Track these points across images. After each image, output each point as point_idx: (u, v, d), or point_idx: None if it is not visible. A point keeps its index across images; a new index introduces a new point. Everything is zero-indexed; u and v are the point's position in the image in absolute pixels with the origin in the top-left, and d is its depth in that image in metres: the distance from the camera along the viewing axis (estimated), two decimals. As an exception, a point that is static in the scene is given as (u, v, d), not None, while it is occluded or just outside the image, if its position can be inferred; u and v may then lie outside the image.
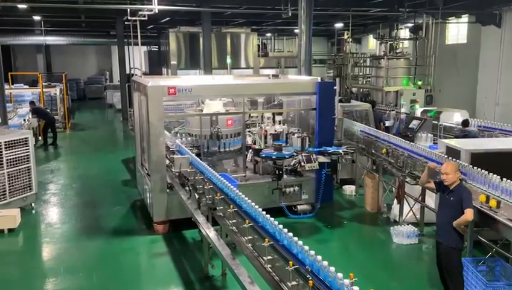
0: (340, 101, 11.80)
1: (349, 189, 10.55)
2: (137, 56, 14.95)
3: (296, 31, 18.48)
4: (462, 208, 5.36)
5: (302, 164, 8.12)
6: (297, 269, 3.70)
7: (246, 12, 18.14)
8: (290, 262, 3.75)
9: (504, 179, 5.40)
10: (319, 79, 9.21)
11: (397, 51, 16.22)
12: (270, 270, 4.20)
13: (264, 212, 4.57)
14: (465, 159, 6.60)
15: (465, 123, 10.27)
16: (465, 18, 18.49)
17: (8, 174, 8.93)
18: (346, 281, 3.16)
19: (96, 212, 9.57)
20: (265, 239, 4.28)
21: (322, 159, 8.39)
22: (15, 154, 9.03)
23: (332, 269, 3.33)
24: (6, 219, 8.37)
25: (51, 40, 25.12)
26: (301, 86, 9.39)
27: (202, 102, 9.62)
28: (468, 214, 5.29)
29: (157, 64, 24.67)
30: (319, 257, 3.52)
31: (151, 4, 12.13)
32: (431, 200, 8.19)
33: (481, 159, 6.43)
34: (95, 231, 8.49)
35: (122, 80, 21.68)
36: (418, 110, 13.16)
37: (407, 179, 7.89)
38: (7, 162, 8.89)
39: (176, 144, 8.61)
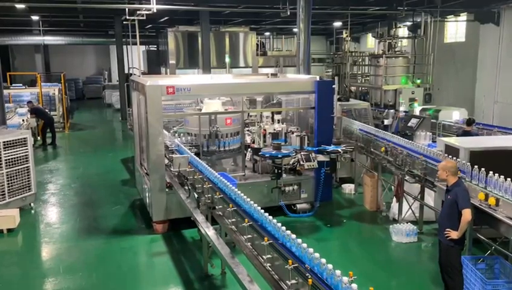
0: (339, 99, 11.80)
1: (348, 188, 10.55)
2: (135, 56, 14.93)
3: (295, 30, 18.50)
4: (458, 207, 5.37)
5: (301, 162, 8.12)
6: (297, 267, 3.70)
7: (245, 11, 18.13)
8: (290, 261, 3.75)
9: (503, 177, 5.41)
10: (317, 78, 9.21)
11: (396, 50, 16.20)
12: (270, 269, 4.21)
13: (263, 211, 4.57)
14: (464, 157, 6.61)
15: (469, 122, 10.18)
16: (463, 16, 18.49)
17: (7, 175, 8.92)
18: (345, 279, 3.16)
19: (95, 212, 9.57)
20: (264, 238, 4.28)
21: (321, 157, 8.39)
22: (14, 155, 9.02)
23: (330, 266, 3.33)
24: (6, 219, 8.36)
25: (49, 40, 25.12)
26: (300, 84, 9.39)
27: (201, 101, 9.63)
28: (466, 215, 5.29)
29: (155, 63, 24.63)
30: (317, 254, 3.52)
31: (150, 3, 12.13)
32: (430, 198, 8.20)
33: (480, 157, 6.44)
34: (94, 231, 8.49)
35: (121, 80, 21.68)
36: (417, 109, 13.17)
37: (406, 177, 7.89)
38: (6, 163, 8.87)
39: (175, 144, 8.61)
